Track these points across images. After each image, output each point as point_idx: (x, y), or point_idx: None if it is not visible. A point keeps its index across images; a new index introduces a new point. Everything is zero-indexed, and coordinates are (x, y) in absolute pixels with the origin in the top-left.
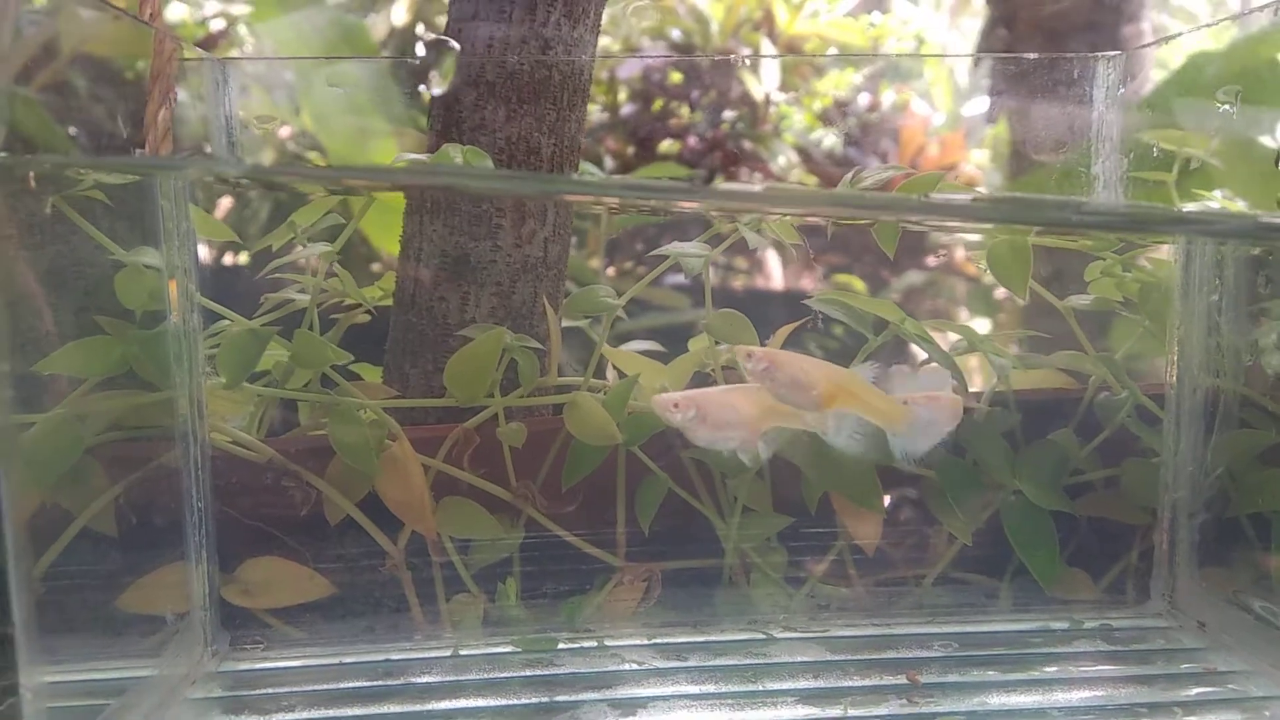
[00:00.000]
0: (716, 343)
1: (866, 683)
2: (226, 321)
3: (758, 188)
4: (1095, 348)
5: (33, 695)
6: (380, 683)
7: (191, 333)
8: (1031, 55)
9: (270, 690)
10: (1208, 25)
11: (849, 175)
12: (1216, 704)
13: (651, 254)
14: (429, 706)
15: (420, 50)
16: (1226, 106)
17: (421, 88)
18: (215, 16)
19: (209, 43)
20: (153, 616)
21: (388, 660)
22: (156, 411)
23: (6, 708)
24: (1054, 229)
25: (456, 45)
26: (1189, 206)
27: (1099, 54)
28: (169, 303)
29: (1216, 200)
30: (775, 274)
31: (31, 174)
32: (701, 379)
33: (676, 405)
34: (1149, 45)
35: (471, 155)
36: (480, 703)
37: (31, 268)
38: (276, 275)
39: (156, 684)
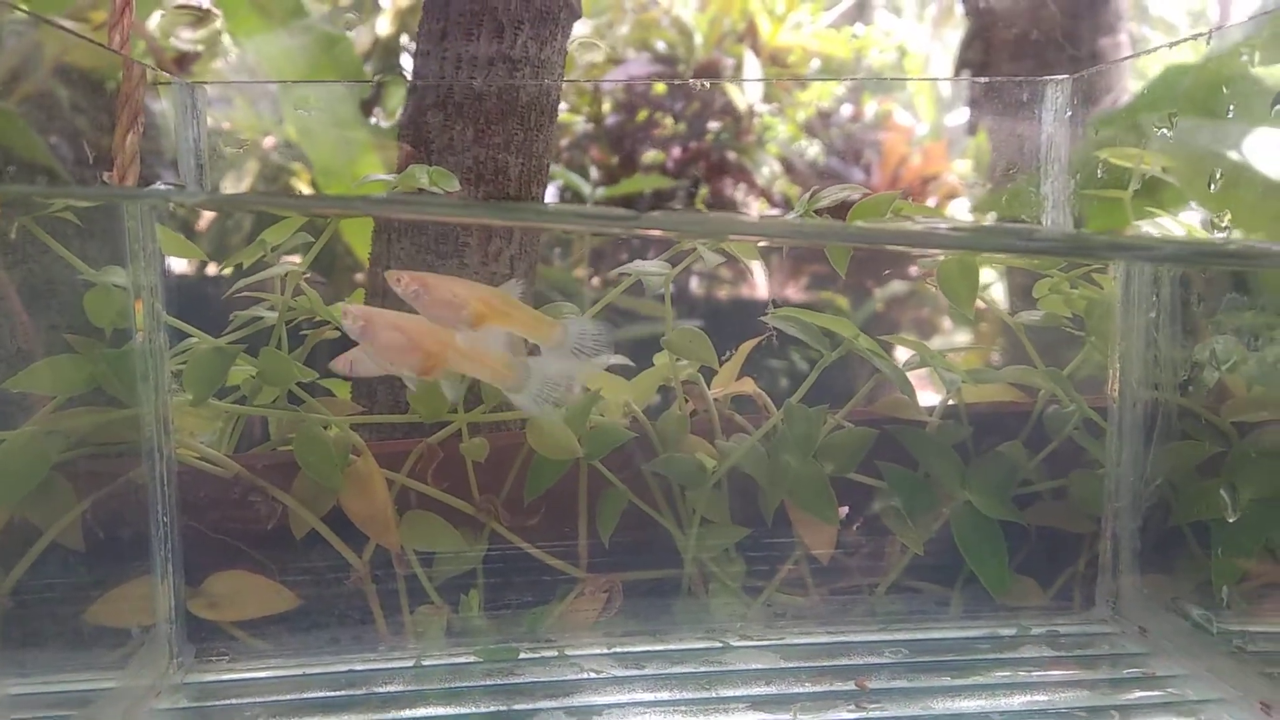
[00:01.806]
0: (677, 359)
1: (817, 689)
2: (194, 339)
3: (713, 215)
4: (1054, 362)
5: None
6: (343, 693)
7: (158, 351)
8: (983, 79)
9: (235, 701)
10: (1175, 43)
11: (805, 195)
12: (1155, 707)
13: (614, 271)
14: (391, 715)
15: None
16: (1164, 131)
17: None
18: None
19: (191, 56)
20: (119, 629)
21: (351, 671)
22: (123, 428)
23: None
24: (1003, 253)
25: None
26: (1143, 224)
27: (1048, 77)
28: (135, 321)
29: (1169, 217)
30: (760, 284)
31: None
32: (664, 393)
33: (347, 314)
34: (1097, 69)
35: (438, 176)
36: (441, 711)
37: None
38: (247, 294)
39: (121, 695)
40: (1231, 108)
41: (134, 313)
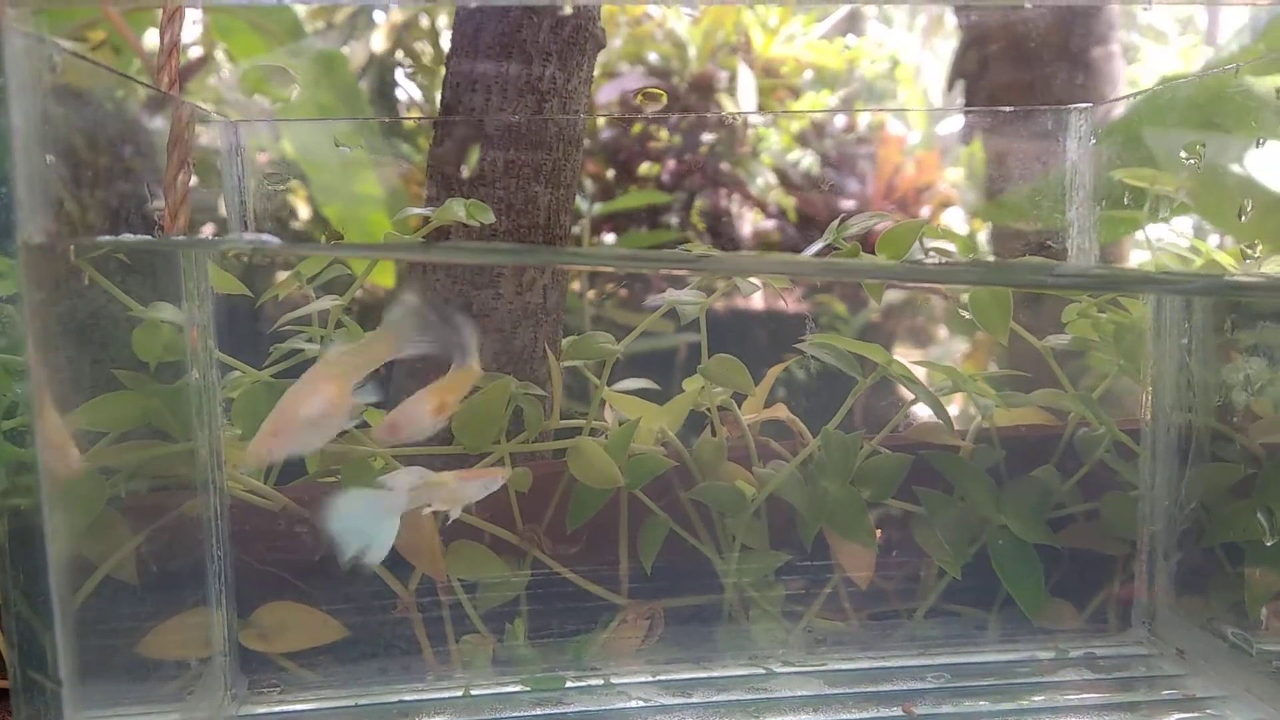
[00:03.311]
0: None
1: (865, 715)
2: (238, 373)
3: (749, 255)
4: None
5: None
6: None
7: (210, 387)
8: (1007, 108)
9: None
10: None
11: (834, 224)
12: None
13: (648, 301)
14: None
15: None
16: (1191, 161)
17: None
18: (192, 44)
19: (187, 71)
20: (179, 661)
21: (401, 701)
22: (178, 463)
23: None
24: (1029, 289)
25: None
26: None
27: (1072, 106)
28: (189, 357)
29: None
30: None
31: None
32: (697, 418)
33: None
34: (1120, 98)
35: (474, 210)
36: None
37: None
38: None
39: None
40: (1261, 139)
41: (189, 349)
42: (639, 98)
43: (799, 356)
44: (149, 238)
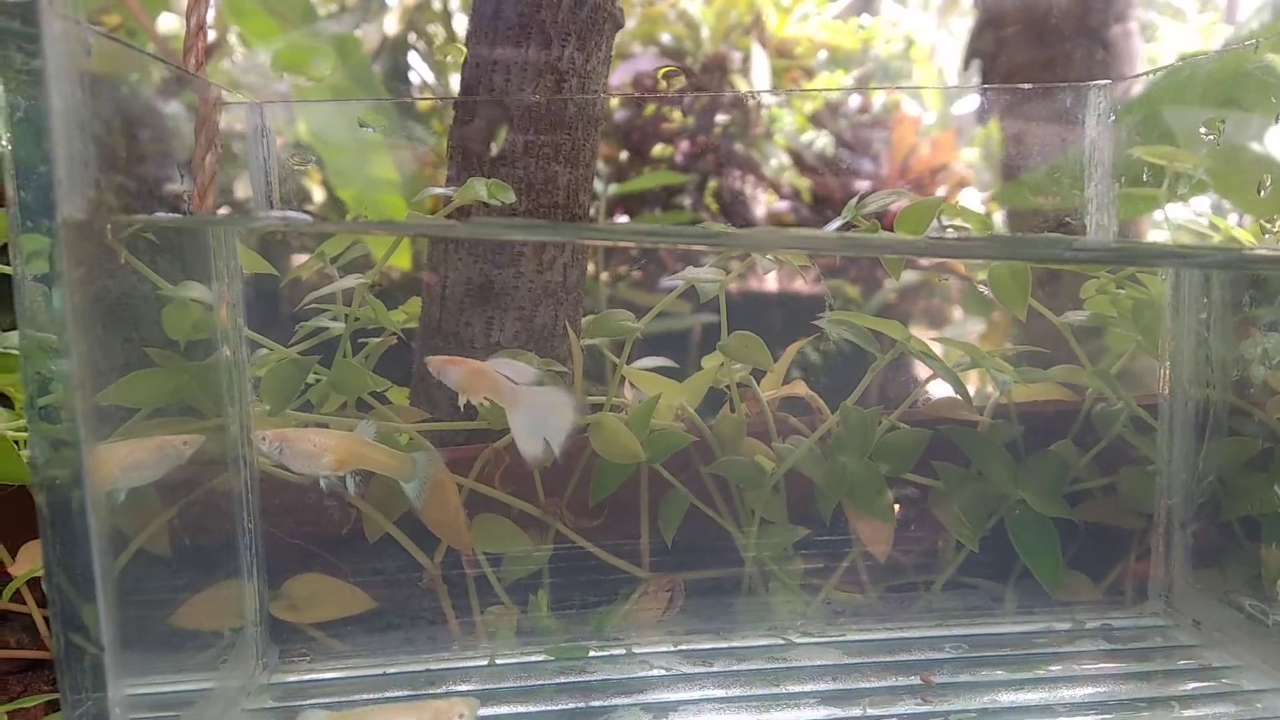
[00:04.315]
0: (732, 363)
1: (883, 684)
2: (265, 350)
3: (768, 230)
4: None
5: (120, 709)
6: (422, 691)
7: (240, 364)
8: (1026, 85)
9: (318, 700)
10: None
11: (853, 201)
12: (1211, 698)
13: (664, 280)
14: None
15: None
16: (1211, 138)
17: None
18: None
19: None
20: (213, 631)
21: (428, 670)
22: (209, 438)
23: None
24: (1047, 263)
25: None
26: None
27: (1091, 83)
28: (219, 335)
29: (1205, 215)
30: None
31: (109, 227)
32: (715, 395)
33: (264, 439)
34: (1139, 75)
35: (495, 189)
36: (518, 709)
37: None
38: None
39: (217, 696)
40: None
41: (219, 327)
42: (660, 77)
43: (817, 334)
44: (182, 215)
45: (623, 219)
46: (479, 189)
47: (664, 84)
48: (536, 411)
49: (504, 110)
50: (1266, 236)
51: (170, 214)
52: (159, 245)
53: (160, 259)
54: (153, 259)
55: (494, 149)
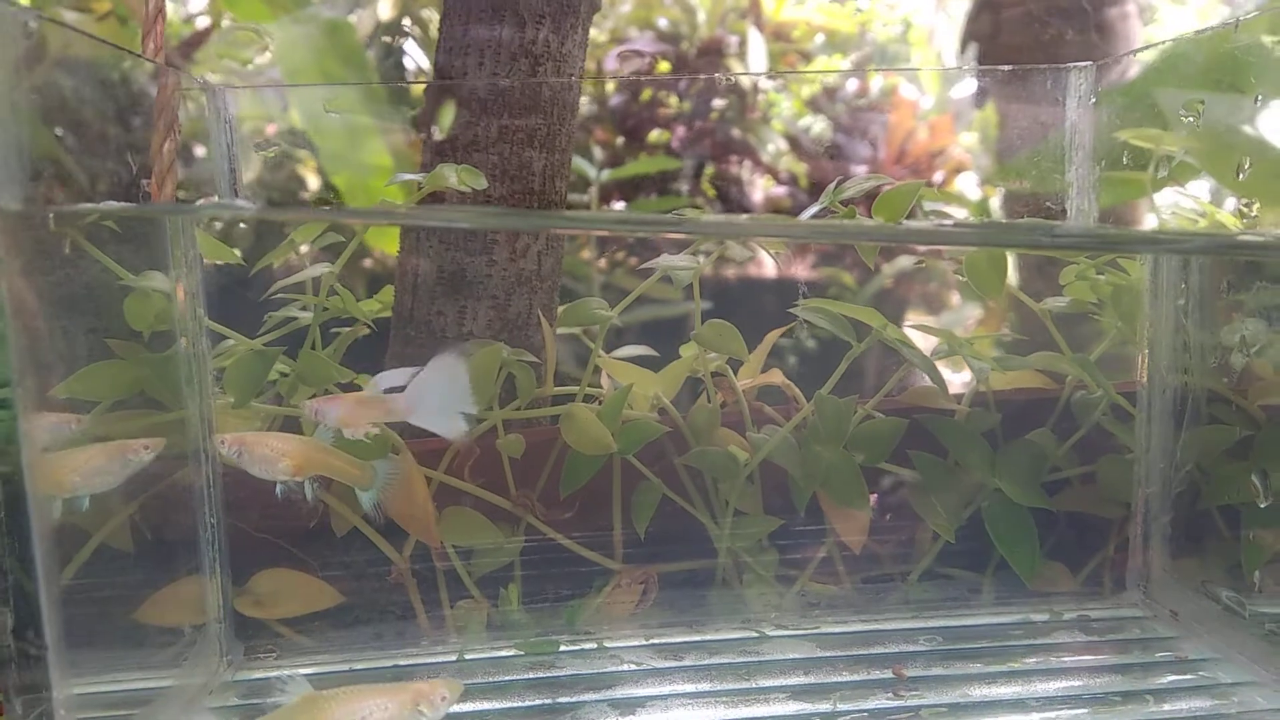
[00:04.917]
0: (706, 352)
1: (855, 678)
2: (231, 341)
3: (741, 218)
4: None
5: (65, 710)
6: None
7: (200, 355)
8: (1007, 67)
9: (284, 698)
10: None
11: (831, 186)
12: (1188, 690)
13: (641, 266)
14: None
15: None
16: (1190, 119)
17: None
18: (200, 14)
19: (194, 40)
20: (171, 629)
21: (396, 666)
22: (170, 431)
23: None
24: (1027, 249)
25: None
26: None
27: (1071, 65)
28: (178, 326)
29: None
30: (770, 264)
31: (52, 217)
32: (692, 384)
33: (222, 442)
34: (1120, 55)
35: (466, 175)
36: (485, 706)
37: (47, 296)
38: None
39: (178, 694)
40: (1260, 96)
41: (176, 317)
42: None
43: (795, 322)
44: (126, 204)
45: (618, 205)
46: (449, 175)
47: (621, 68)
48: (433, 396)
49: (477, 95)
50: (1245, 220)
51: (117, 203)
52: (122, 235)
53: (124, 249)
54: (115, 249)
55: (467, 135)
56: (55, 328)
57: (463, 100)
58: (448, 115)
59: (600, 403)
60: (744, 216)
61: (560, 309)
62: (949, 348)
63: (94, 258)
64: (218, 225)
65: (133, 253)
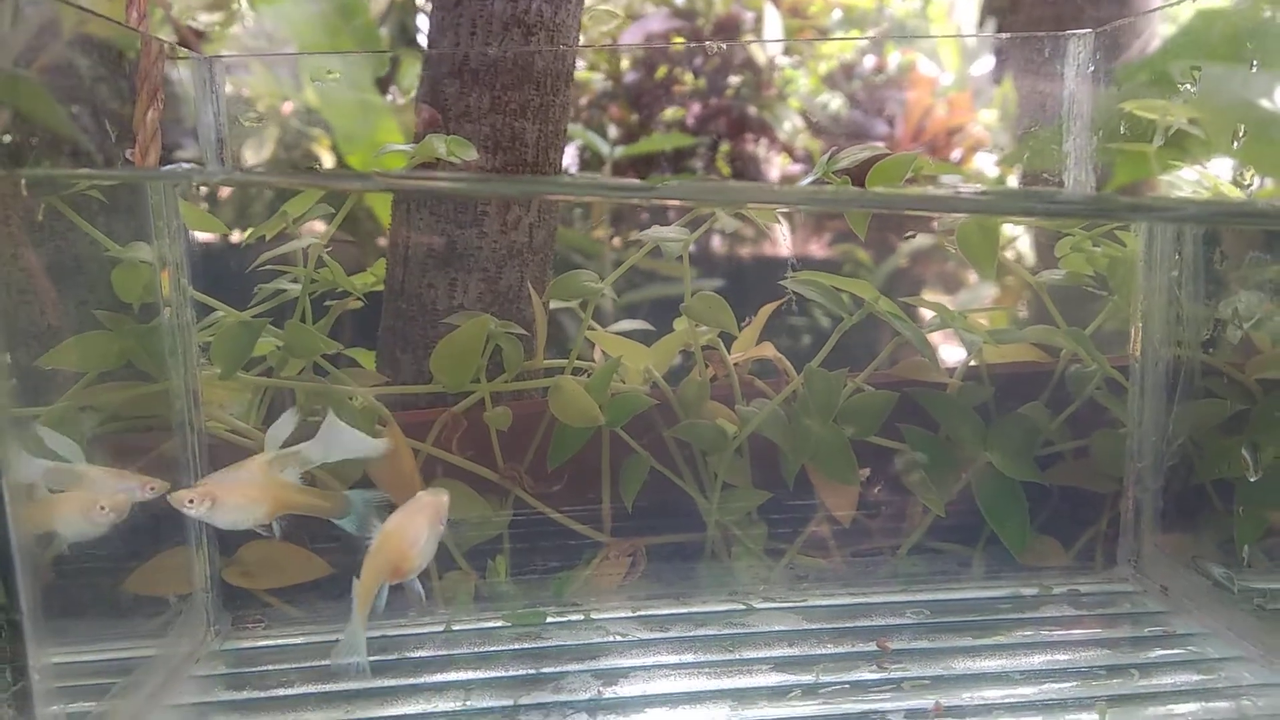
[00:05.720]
0: (697, 325)
1: (839, 650)
2: (220, 313)
3: (731, 183)
4: (1071, 319)
5: (40, 676)
6: (376, 657)
7: (185, 326)
8: (1005, 34)
9: (271, 667)
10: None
11: (825, 156)
12: (1176, 665)
13: (632, 238)
14: (424, 679)
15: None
16: (1188, 86)
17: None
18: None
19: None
20: (157, 599)
21: (383, 636)
22: (154, 402)
23: (18, 688)
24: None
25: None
26: (1167, 177)
27: (1070, 32)
28: (162, 296)
29: (1194, 169)
30: (783, 242)
31: (23, 182)
32: (685, 358)
33: (191, 502)
34: (1119, 23)
35: (455, 145)
36: (471, 675)
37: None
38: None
39: (162, 663)
40: (1256, 62)
41: (160, 288)
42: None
43: (790, 296)
44: (96, 171)
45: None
46: (437, 146)
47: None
48: (325, 448)
49: (469, 65)
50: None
51: (89, 170)
52: (108, 205)
53: (106, 219)
54: (103, 219)
55: (460, 106)
56: (31, 300)
57: (454, 71)
58: (441, 86)
59: (590, 375)
60: (735, 183)
61: (551, 282)
62: (941, 321)
63: (77, 226)
64: (203, 191)
65: (116, 223)
